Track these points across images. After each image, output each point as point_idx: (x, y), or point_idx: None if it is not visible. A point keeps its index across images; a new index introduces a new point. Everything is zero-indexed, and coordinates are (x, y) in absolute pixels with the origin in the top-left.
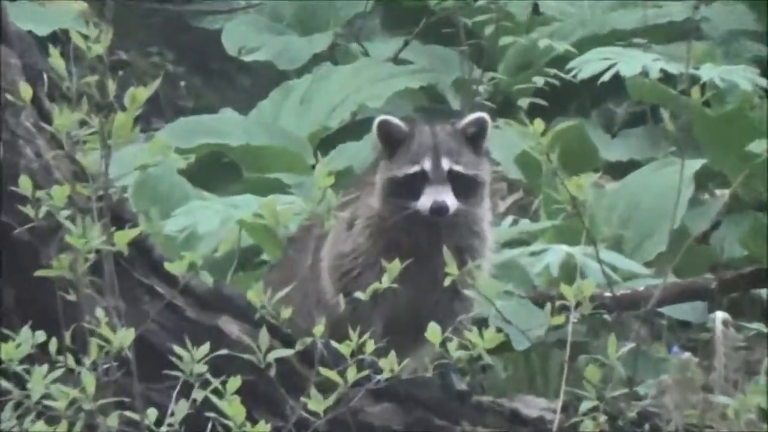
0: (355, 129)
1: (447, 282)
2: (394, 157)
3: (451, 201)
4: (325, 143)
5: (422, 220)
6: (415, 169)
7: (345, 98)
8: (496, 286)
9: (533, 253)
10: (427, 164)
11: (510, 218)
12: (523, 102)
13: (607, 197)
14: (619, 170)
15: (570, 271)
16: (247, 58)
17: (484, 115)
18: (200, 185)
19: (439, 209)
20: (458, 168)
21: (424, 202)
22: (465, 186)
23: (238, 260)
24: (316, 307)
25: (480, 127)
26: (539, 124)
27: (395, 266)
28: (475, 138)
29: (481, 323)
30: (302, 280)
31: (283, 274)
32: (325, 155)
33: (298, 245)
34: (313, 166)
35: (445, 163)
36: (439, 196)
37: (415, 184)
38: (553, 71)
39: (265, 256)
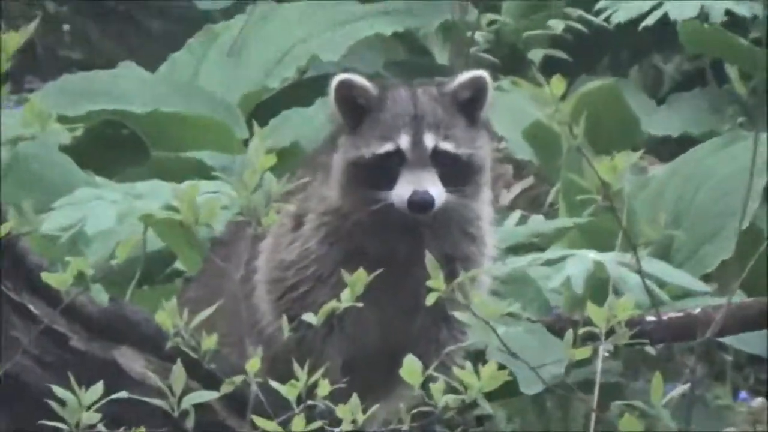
0: (304, 91)
1: (430, 301)
2: (359, 131)
3: (436, 191)
4: (264, 110)
5: (397, 218)
6: (388, 147)
7: (290, 48)
8: (497, 307)
9: (549, 262)
10: (404, 141)
11: (517, 213)
12: (536, 55)
13: (651, 185)
14: (667, 148)
15: (600, 287)
16: None
17: (482, 73)
18: (91, 167)
19: (420, 202)
20: (447, 146)
21: (401, 192)
22: (456, 170)
23: (143, 270)
24: (249, 334)
25: (477, 89)
26: (558, 83)
27: (359, 279)
28: (470, 105)
29: (478, 357)
30: (231, 298)
31: (204, 289)
32: (263, 126)
33: (225, 251)
34: (247, 142)
35: (429, 140)
36: (420, 184)
37: (387, 169)
38: (577, 12)
39: (179, 265)
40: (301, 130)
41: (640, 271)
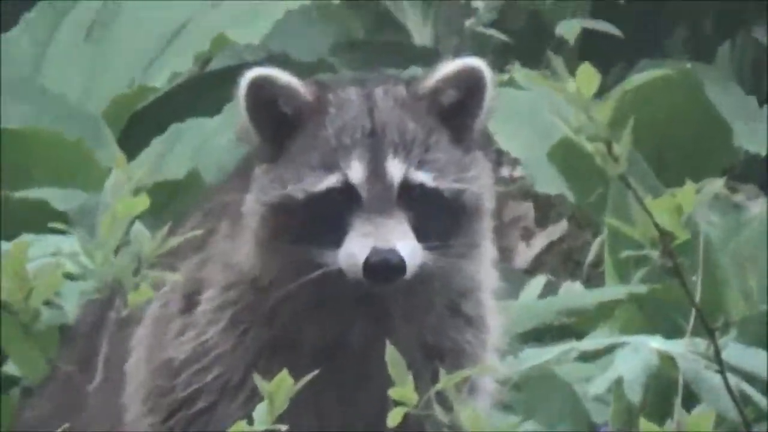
0: (206, 92)
1: (393, 420)
2: (286, 157)
3: (408, 248)
4: (143, 122)
5: (348, 292)
6: (331, 181)
7: (183, 26)
8: (503, 427)
9: (591, 355)
10: (355, 171)
11: (542, 279)
12: (569, 29)
13: (749, 230)
14: None
15: (665, 392)
16: None
17: (477, 62)
18: None
19: (384, 266)
20: (423, 177)
21: (353, 251)
22: (438, 215)
23: None
24: None
25: (468, 87)
26: (588, 74)
27: (282, 386)
28: (459, 112)
29: None
30: (90, 419)
31: (52, 406)
32: (141, 146)
33: (79, 348)
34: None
35: (395, 168)
36: (382, 238)
37: (331, 215)
38: None
39: (12, 369)
40: (201, 152)
41: (721, 368)
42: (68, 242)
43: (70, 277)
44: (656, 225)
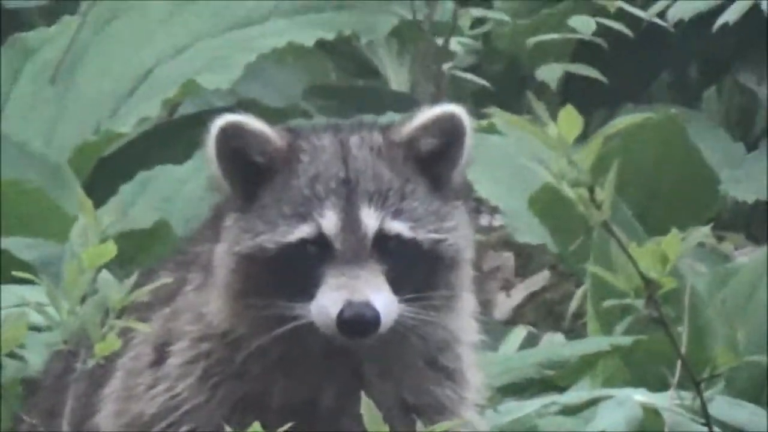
0: (172, 138)
1: None
2: (257, 206)
3: (383, 301)
4: (110, 170)
5: (321, 346)
6: (304, 231)
7: (151, 70)
8: None
9: (573, 409)
10: (329, 221)
11: (522, 331)
12: (551, 73)
13: (737, 280)
14: (763, 222)
15: None
16: None
17: (456, 109)
18: None
19: (358, 320)
20: (399, 227)
21: (326, 304)
22: (415, 266)
23: None
24: None
25: (449, 135)
26: (570, 118)
27: None
28: (436, 160)
29: None
30: None
31: None
32: (107, 194)
33: (44, 400)
34: None
35: (370, 218)
36: (357, 290)
37: (303, 266)
38: (617, 3)
39: None
40: (170, 201)
41: (707, 422)
42: (33, 292)
43: (34, 328)
44: (641, 274)
